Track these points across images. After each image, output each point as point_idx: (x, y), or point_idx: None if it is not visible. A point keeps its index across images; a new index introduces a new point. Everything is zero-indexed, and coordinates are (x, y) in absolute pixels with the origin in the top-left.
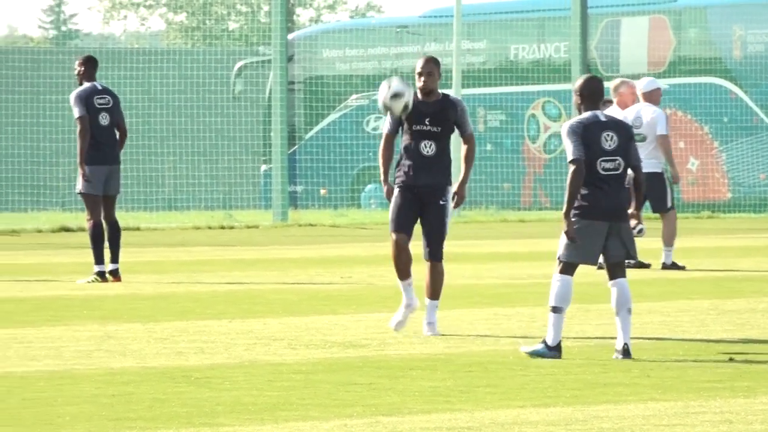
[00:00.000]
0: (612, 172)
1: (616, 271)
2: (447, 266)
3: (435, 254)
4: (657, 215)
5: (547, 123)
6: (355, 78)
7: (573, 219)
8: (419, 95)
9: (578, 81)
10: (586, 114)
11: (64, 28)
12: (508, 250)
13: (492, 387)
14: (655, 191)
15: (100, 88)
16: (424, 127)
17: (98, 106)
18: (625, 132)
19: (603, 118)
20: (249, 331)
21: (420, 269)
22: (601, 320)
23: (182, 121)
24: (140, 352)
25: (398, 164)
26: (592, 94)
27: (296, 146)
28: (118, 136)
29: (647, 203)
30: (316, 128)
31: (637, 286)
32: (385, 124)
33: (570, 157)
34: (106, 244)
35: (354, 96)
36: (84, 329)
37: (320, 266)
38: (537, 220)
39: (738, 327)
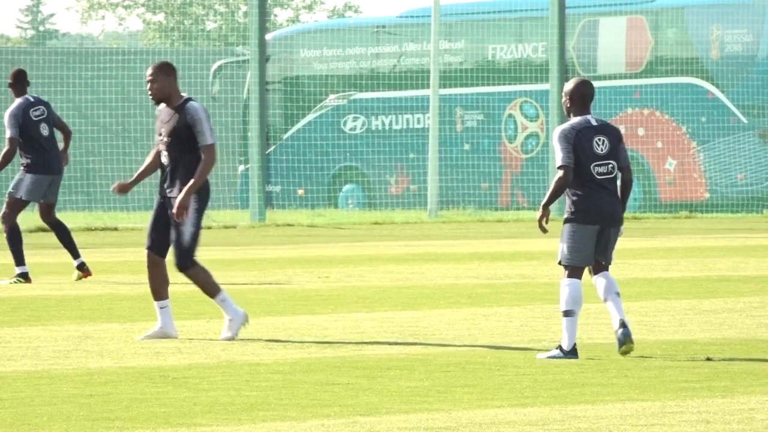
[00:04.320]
0: (606, 176)
1: (599, 268)
2: (425, 266)
3: (178, 265)
4: None
5: (525, 123)
6: (333, 78)
7: (568, 224)
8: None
9: (569, 84)
10: (578, 119)
11: (42, 28)
12: (486, 251)
13: (470, 387)
14: None
15: (32, 99)
16: (162, 137)
17: (35, 119)
18: (615, 135)
19: (594, 123)
20: None
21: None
22: (579, 321)
23: None
24: (118, 352)
25: None
26: (582, 98)
27: (273, 146)
28: (62, 139)
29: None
30: (294, 128)
31: None
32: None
33: (558, 163)
34: (60, 243)
35: (331, 96)
36: (62, 329)
37: (298, 266)
38: (515, 220)
39: (716, 327)
